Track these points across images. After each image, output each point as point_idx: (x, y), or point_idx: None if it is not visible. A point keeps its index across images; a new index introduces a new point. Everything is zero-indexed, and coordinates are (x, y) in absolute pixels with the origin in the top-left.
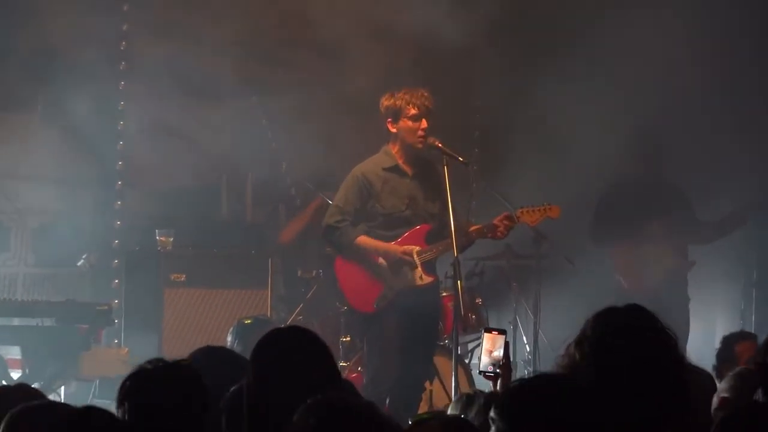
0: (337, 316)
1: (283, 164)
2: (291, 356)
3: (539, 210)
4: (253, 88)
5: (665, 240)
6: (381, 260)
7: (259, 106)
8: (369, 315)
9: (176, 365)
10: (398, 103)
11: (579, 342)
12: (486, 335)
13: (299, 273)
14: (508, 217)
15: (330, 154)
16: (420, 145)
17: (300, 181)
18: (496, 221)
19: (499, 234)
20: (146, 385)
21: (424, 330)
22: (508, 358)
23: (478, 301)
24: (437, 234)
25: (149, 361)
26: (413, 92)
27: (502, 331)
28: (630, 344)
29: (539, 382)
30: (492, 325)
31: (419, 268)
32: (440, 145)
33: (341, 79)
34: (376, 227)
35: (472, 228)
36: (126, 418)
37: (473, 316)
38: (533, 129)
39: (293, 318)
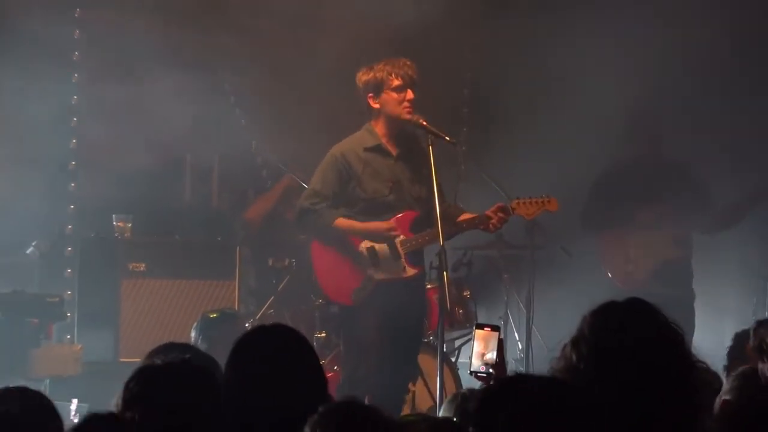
0: (311, 309)
1: (253, 143)
2: (277, 357)
3: (536, 202)
4: (219, 61)
5: (660, 228)
6: (362, 246)
7: (227, 80)
8: (346, 308)
9: (187, 363)
10: (379, 75)
11: (575, 342)
12: (477, 332)
13: (270, 262)
14: (503, 209)
15: (305, 132)
16: (407, 116)
17: (272, 162)
18: (489, 212)
19: (491, 227)
20: (160, 384)
21: (407, 326)
22: (503, 357)
23: (466, 294)
24: (424, 221)
25: (155, 356)
26: (394, 62)
27: (495, 328)
28: (631, 344)
29: (512, 385)
30: (481, 320)
31: (403, 258)
32: (424, 123)
33: (315, 52)
34: (357, 213)
35: (463, 217)
36: (137, 419)
37: (460, 311)
38: (529, 106)
39: (263, 312)
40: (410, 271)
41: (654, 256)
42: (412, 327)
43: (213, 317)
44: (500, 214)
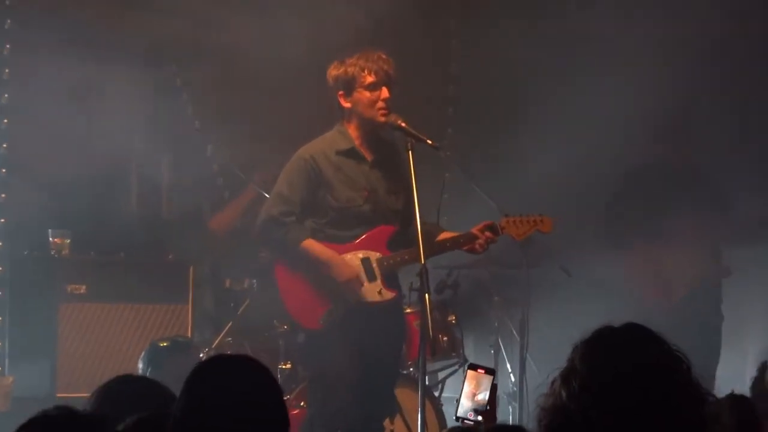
0: (274, 337)
1: (208, 147)
2: (235, 391)
3: (528, 221)
4: (171, 54)
5: (696, 240)
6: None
7: (179, 76)
8: (314, 333)
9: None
10: (350, 70)
11: (566, 376)
12: (470, 373)
13: (228, 284)
14: (491, 228)
15: (268, 134)
16: (382, 119)
17: (229, 170)
18: (475, 230)
19: (478, 247)
20: None
21: (382, 355)
22: (494, 404)
23: (452, 319)
24: (402, 238)
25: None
26: (368, 56)
27: (489, 371)
28: (629, 376)
29: None
30: (469, 349)
31: (379, 280)
32: (403, 124)
33: (281, 41)
34: (328, 225)
35: (443, 236)
36: None
37: (445, 338)
38: (522, 106)
39: (220, 340)
40: (386, 295)
41: (691, 273)
42: (388, 356)
43: (163, 346)
44: (487, 234)
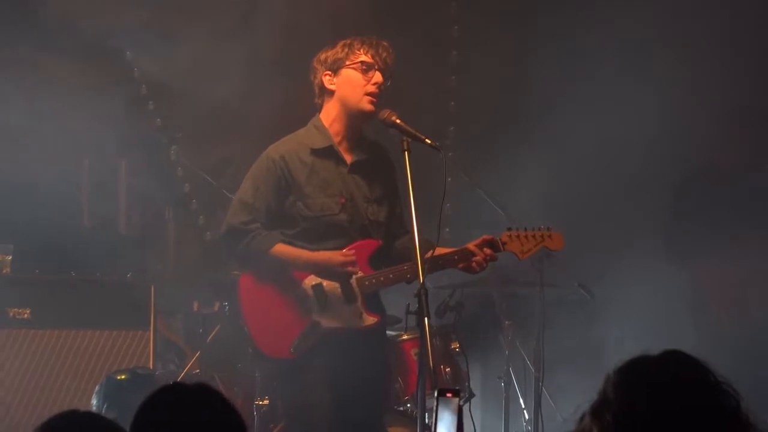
0: (250, 368)
1: (172, 149)
2: (191, 424)
3: (533, 236)
4: (128, 40)
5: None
6: (307, 283)
7: (138, 65)
8: (286, 363)
9: None
10: (342, 50)
11: (597, 410)
12: (441, 400)
13: (195, 307)
14: (491, 244)
15: (240, 135)
16: (369, 107)
17: (196, 175)
18: (472, 246)
19: (475, 266)
20: None
21: (365, 389)
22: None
23: (455, 347)
24: (387, 254)
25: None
26: (366, 39)
27: (454, 393)
28: (670, 411)
29: None
30: (477, 381)
31: (360, 302)
32: (398, 120)
33: (256, 28)
34: (298, 237)
35: (436, 252)
36: None
37: (447, 369)
38: (537, 97)
39: (186, 371)
40: (368, 320)
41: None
42: (370, 390)
43: (121, 379)
44: (486, 250)
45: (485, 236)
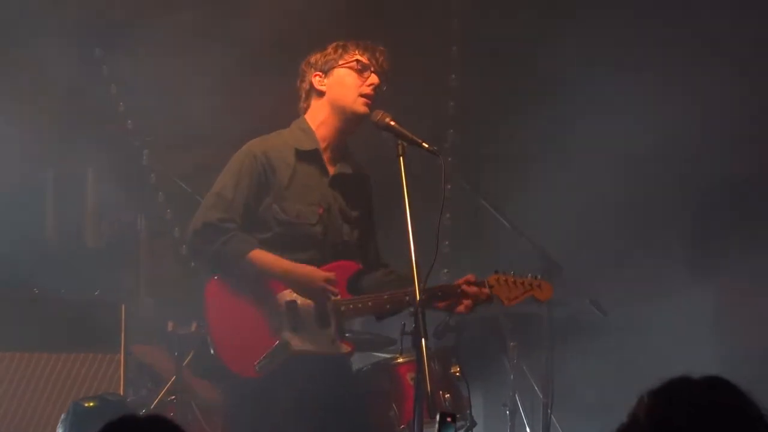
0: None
1: (144, 153)
2: None
3: (522, 283)
4: (99, 36)
5: None
6: (281, 297)
7: (107, 62)
8: (250, 383)
9: None
10: (335, 51)
11: None
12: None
13: (170, 327)
14: (479, 284)
15: (220, 138)
16: (364, 109)
17: (171, 181)
18: (462, 284)
19: (462, 308)
20: None
21: (333, 422)
22: None
23: (455, 371)
24: (361, 280)
25: None
26: (361, 42)
27: (454, 418)
28: None
29: None
30: (478, 409)
31: (332, 328)
32: (392, 122)
33: (239, 29)
34: (269, 243)
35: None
36: None
37: (447, 396)
38: (543, 99)
39: (161, 398)
40: (342, 348)
41: None
42: (336, 424)
43: (89, 407)
44: (474, 289)
45: (469, 276)
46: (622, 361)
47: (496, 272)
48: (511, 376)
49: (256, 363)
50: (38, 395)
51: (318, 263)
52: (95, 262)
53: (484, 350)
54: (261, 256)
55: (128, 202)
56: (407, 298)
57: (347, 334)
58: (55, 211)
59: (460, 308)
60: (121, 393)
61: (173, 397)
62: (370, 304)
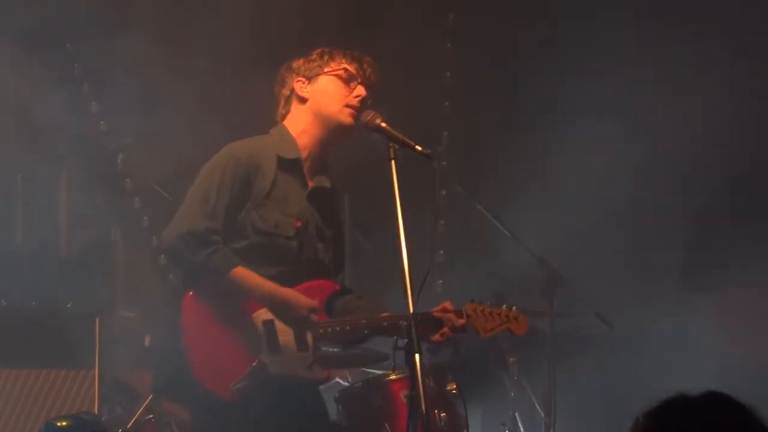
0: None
1: (119, 157)
2: None
3: (499, 315)
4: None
5: None
6: (258, 316)
7: (79, 60)
8: (222, 405)
9: None
10: (320, 58)
11: None
12: None
13: (148, 342)
14: (456, 313)
15: (203, 140)
16: (349, 120)
17: (148, 187)
18: (436, 311)
19: (439, 337)
20: None
21: None
22: None
23: (452, 388)
24: (337, 302)
25: None
26: (348, 51)
27: None
28: None
29: None
30: (475, 429)
31: (310, 351)
32: (384, 124)
33: (224, 24)
34: (244, 253)
35: (383, 315)
36: None
37: (443, 415)
38: (541, 99)
39: (138, 417)
40: (318, 373)
41: None
42: None
43: (62, 426)
44: (451, 317)
45: (445, 303)
46: (628, 376)
47: (472, 301)
48: (511, 394)
49: (231, 385)
50: (8, 414)
51: (291, 278)
52: (68, 272)
53: (482, 366)
54: (244, 274)
55: (102, 209)
56: (385, 324)
57: (334, 349)
58: (24, 218)
59: (436, 337)
60: (96, 411)
61: (151, 416)
62: (348, 328)
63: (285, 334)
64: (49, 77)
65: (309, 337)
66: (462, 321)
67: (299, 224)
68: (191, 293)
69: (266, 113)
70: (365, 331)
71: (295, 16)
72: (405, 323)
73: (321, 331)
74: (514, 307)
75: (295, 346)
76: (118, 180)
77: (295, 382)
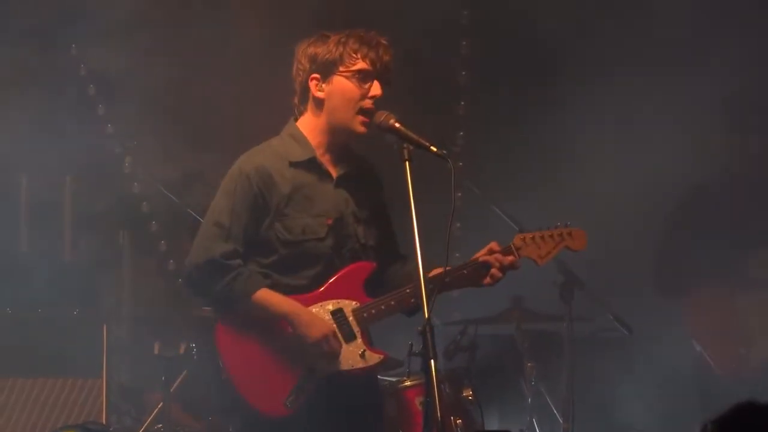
0: (223, 422)
1: (126, 161)
2: None
3: (551, 236)
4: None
5: None
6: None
7: (83, 62)
8: (281, 422)
9: None
10: (336, 49)
11: None
12: None
13: (157, 349)
14: (505, 250)
15: (205, 141)
16: (361, 128)
17: (156, 191)
18: (481, 256)
19: (490, 279)
20: None
21: None
22: None
23: (468, 394)
24: (381, 279)
25: None
26: (362, 36)
27: None
28: None
29: None
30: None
31: (359, 339)
32: (398, 125)
33: (233, 20)
34: (274, 267)
35: (436, 271)
36: None
37: (459, 421)
38: (560, 97)
39: (146, 426)
40: (373, 358)
41: None
42: None
43: None
44: (498, 257)
45: (492, 244)
46: (649, 382)
47: (520, 231)
48: (529, 400)
49: (284, 400)
50: (14, 424)
51: (329, 276)
52: (74, 278)
53: (498, 371)
54: (267, 297)
55: (109, 213)
56: (430, 286)
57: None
58: (29, 222)
59: (487, 280)
60: (104, 421)
61: (160, 425)
62: (392, 303)
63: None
64: (54, 80)
65: (354, 325)
66: (510, 258)
67: (330, 222)
68: (221, 323)
69: (279, 111)
70: (412, 300)
71: (304, 11)
72: (448, 280)
73: (365, 314)
74: (568, 223)
75: (343, 339)
76: (124, 184)
77: (349, 376)
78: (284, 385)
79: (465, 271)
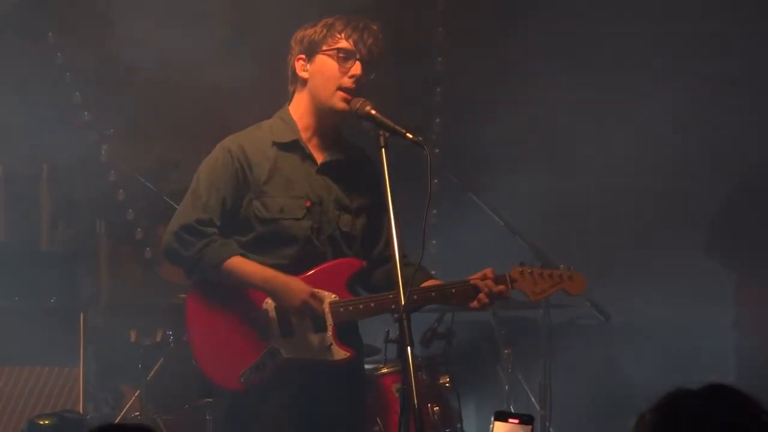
0: (200, 408)
1: (103, 148)
2: None
3: (551, 275)
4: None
5: None
6: (268, 303)
7: (60, 48)
8: (236, 396)
9: None
10: (321, 30)
11: None
12: (498, 425)
13: (133, 337)
14: (498, 279)
15: (184, 128)
16: (342, 105)
17: (133, 180)
18: (475, 279)
19: (477, 303)
20: None
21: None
22: None
23: (445, 381)
24: (367, 278)
25: None
26: (351, 20)
27: (526, 419)
28: None
29: None
30: (470, 423)
31: (329, 332)
32: (374, 111)
33: (203, 17)
34: (251, 246)
35: (429, 283)
36: None
37: (436, 408)
38: (536, 83)
39: (123, 414)
40: (339, 353)
41: None
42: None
43: (45, 425)
44: (491, 286)
45: (487, 270)
46: (625, 369)
47: (521, 264)
48: (506, 387)
49: (239, 375)
50: None
51: (311, 259)
52: (51, 267)
53: (475, 358)
54: (240, 263)
55: (85, 201)
56: (414, 296)
57: None
58: (5, 211)
59: (474, 303)
60: (81, 410)
61: (137, 413)
62: (372, 305)
63: (299, 319)
64: (30, 67)
65: (329, 318)
66: (500, 287)
67: (309, 204)
68: (192, 289)
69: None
70: (393, 306)
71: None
72: (434, 294)
73: (341, 309)
74: (571, 267)
75: (312, 328)
76: (101, 172)
77: (314, 365)
78: (244, 359)
79: (453, 290)
